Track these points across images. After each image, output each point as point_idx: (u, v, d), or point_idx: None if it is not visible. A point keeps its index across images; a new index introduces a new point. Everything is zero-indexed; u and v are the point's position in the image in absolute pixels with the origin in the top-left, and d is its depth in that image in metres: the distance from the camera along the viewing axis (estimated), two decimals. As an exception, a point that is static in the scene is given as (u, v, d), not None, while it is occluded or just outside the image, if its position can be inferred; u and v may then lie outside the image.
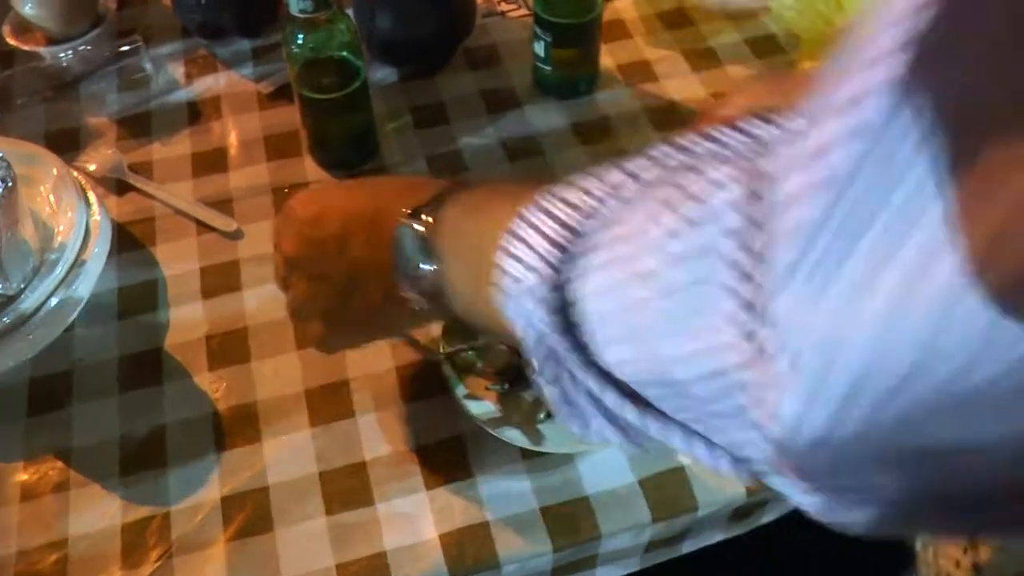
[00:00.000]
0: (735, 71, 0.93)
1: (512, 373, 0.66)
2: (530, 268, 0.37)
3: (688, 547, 0.69)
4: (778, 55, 0.96)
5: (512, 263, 0.38)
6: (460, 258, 0.44)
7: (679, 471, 0.65)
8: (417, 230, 0.45)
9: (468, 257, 0.44)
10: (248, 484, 0.65)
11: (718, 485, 0.64)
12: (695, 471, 0.64)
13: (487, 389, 0.66)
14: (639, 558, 0.67)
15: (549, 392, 0.39)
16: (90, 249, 0.73)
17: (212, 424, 0.68)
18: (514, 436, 0.64)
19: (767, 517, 0.71)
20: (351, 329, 0.56)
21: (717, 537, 0.69)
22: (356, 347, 0.69)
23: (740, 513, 0.68)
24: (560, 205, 0.38)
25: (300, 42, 0.76)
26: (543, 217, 0.38)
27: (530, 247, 0.38)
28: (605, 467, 0.65)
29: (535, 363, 0.39)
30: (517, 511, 0.63)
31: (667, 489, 0.64)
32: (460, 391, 0.66)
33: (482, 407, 0.65)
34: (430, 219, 0.45)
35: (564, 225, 0.37)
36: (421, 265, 0.45)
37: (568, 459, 0.65)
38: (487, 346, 0.67)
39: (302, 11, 0.73)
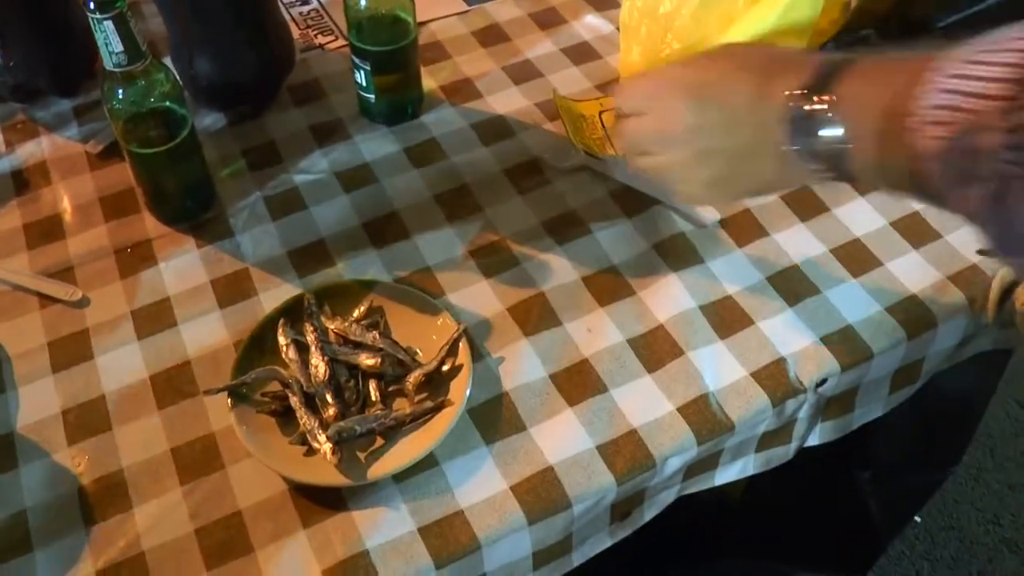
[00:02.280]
0: (555, 79, 0.97)
1: (284, 399, 0.70)
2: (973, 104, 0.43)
3: (578, 558, 0.72)
4: (595, 59, 1.00)
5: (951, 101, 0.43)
6: (869, 122, 0.50)
7: (548, 471, 0.68)
8: (817, 108, 0.53)
9: (879, 120, 0.49)
10: (123, 553, 0.64)
11: (586, 478, 0.67)
12: (562, 470, 0.68)
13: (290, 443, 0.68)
14: (530, 569, 0.70)
15: (991, 232, 0.45)
16: (-76, 339, 0.71)
17: (78, 500, 0.67)
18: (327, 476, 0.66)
19: (648, 514, 0.75)
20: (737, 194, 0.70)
21: (604, 541, 0.73)
22: None
23: (619, 512, 0.72)
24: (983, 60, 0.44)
25: (120, 97, 0.75)
26: (971, 68, 0.44)
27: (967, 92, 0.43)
28: (475, 478, 0.67)
29: (976, 206, 0.44)
30: (396, 535, 0.65)
31: (538, 490, 0.67)
32: (268, 459, 0.67)
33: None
34: (829, 96, 0.53)
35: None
36: (823, 134, 0.53)
37: (439, 474, 0.67)
38: (257, 379, 0.70)
39: (117, 65, 0.72)
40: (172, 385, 0.73)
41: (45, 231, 0.84)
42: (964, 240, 0.82)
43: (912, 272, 0.80)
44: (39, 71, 0.91)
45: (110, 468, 0.69)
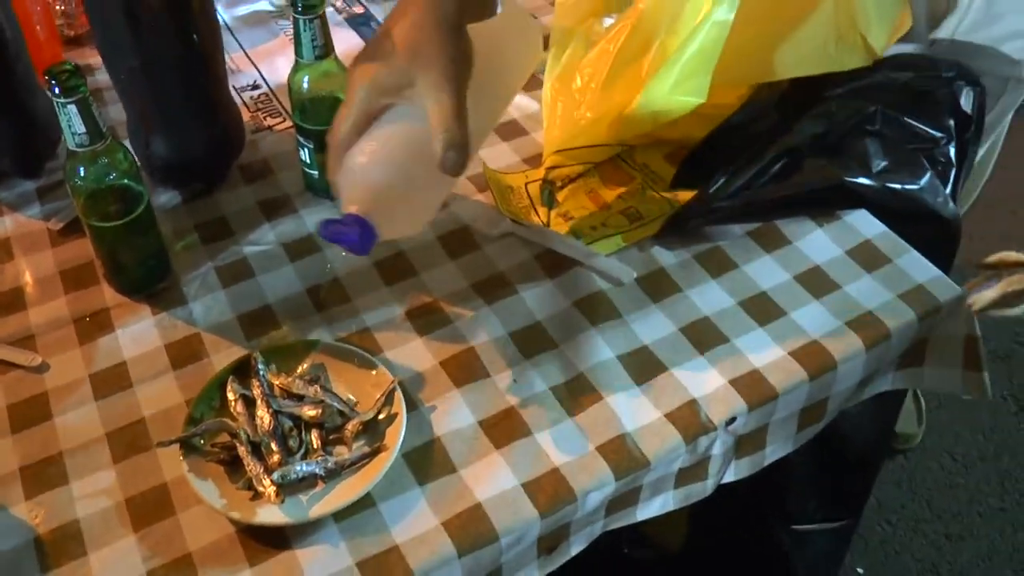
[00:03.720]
0: (485, 154, 1.06)
1: (232, 448, 0.75)
2: None
3: None
4: (522, 135, 1.09)
5: None
6: None
7: (477, 508, 0.73)
8: None
9: None
10: (79, 596, 0.69)
11: (512, 513, 0.73)
12: (490, 506, 0.73)
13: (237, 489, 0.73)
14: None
15: None
16: None
17: (34, 549, 0.71)
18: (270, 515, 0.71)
19: (575, 548, 0.80)
20: None
21: (533, 574, 0.78)
22: None
23: (545, 545, 0.77)
24: None
25: (82, 175, 0.82)
26: None
27: None
28: (409, 516, 0.73)
29: None
30: (335, 570, 0.70)
31: (468, 526, 0.72)
32: (217, 503, 0.72)
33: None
34: None
35: None
36: None
37: (376, 513, 0.73)
38: (207, 430, 0.76)
39: (79, 144, 0.79)
40: (127, 441, 0.78)
41: (7, 303, 0.90)
42: (861, 290, 0.90)
43: (813, 320, 0.87)
44: (4, 154, 0.98)
45: (66, 519, 0.73)
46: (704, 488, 0.84)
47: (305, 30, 0.88)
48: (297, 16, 0.87)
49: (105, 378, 0.83)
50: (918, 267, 0.92)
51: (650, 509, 0.83)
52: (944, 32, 1.04)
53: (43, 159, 1.02)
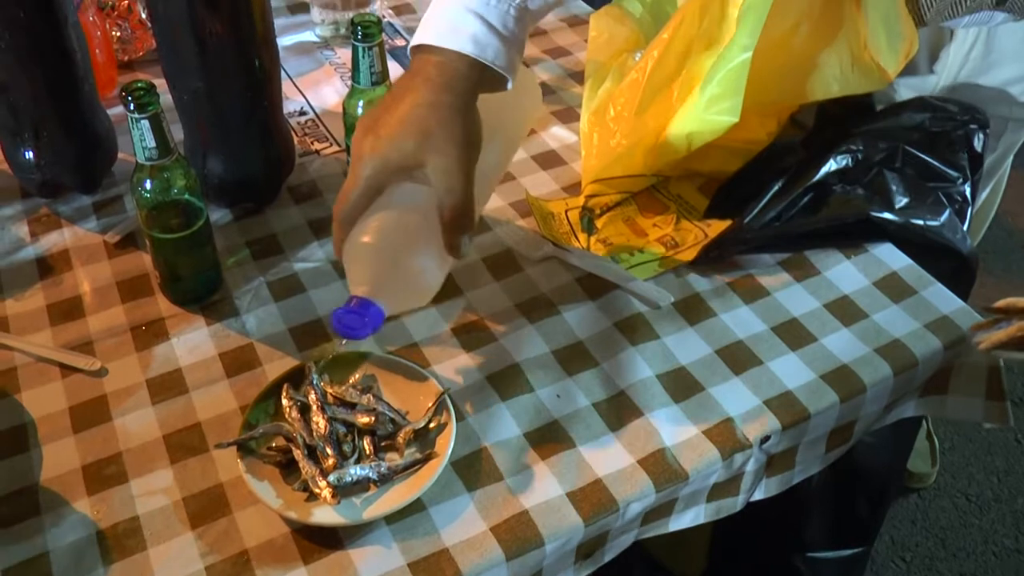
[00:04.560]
0: (527, 182, 1.10)
1: (287, 452, 0.78)
2: None
3: None
4: (561, 165, 1.13)
5: None
6: None
7: (524, 514, 0.76)
8: None
9: None
10: (141, 588, 0.71)
11: (557, 520, 0.76)
12: (536, 513, 0.76)
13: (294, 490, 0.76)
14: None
15: None
16: (-39, 399, 0.78)
17: (96, 543, 0.74)
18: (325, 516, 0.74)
19: (608, 555, 0.83)
20: None
21: None
22: None
23: (584, 552, 0.80)
24: None
25: (147, 187, 0.85)
26: None
27: None
28: (458, 520, 0.75)
29: None
30: (387, 569, 0.72)
31: (515, 531, 0.75)
32: (273, 502, 0.75)
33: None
34: None
35: None
36: None
37: (426, 517, 0.75)
38: (264, 434, 0.79)
39: (148, 159, 0.83)
40: (183, 443, 0.81)
41: (67, 310, 0.93)
42: (888, 319, 0.93)
43: (843, 346, 0.91)
44: (65, 170, 1.02)
45: (126, 515, 0.76)
46: (735, 504, 0.87)
47: (363, 57, 0.92)
48: (356, 43, 0.91)
49: (161, 383, 0.86)
50: (943, 299, 0.95)
51: (682, 521, 0.86)
52: (945, 78, 1.08)
53: (101, 175, 1.06)
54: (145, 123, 0.80)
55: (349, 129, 0.98)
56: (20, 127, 0.99)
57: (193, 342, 0.90)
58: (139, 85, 0.80)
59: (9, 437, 0.82)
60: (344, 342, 0.77)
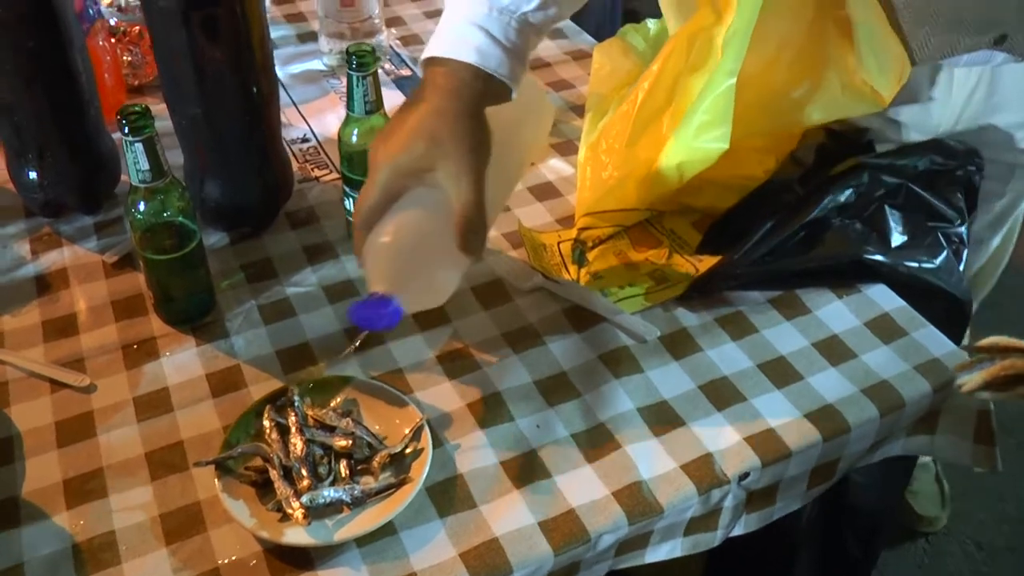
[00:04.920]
0: (521, 213, 1.11)
1: (264, 472, 0.79)
2: None
3: None
4: (556, 197, 1.14)
5: None
6: None
7: (494, 542, 0.76)
8: None
9: None
10: (111, 602, 0.72)
11: (527, 549, 0.76)
12: (507, 541, 0.76)
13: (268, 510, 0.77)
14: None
15: None
16: (-51, 411, 0.80)
17: (72, 556, 0.75)
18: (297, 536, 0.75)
19: (584, 585, 0.83)
20: None
21: None
22: None
23: (556, 582, 0.80)
24: None
25: (141, 209, 0.87)
26: None
27: None
28: (428, 546, 0.76)
29: None
30: (355, 593, 0.73)
31: (484, 558, 0.75)
32: (247, 521, 0.76)
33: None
34: None
35: None
36: None
37: (397, 541, 0.76)
38: (242, 453, 0.80)
39: (142, 180, 0.85)
40: (165, 461, 0.82)
41: (61, 327, 0.95)
42: (877, 360, 0.93)
43: (830, 385, 0.90)
44: (68, 190, 1.04)
45: (103, 529, 0.77)
46: (713, 539, 0.87)
47: (358, 86, 0.94)
48: (351, 72, 0.93)
49: (148, 401, 0.88)
50: (934, 341, 0.95)
51: (658, 553, 0.85)
52: (948, 119, 1.08)
53: (103, 196, 1.08)
54: (139, 146, 0.82)
55: (344, 157, 1.00)
56: (24, 147, 1.01)
57: (182, 362, 0.91)
58: (134, 109, 0.82)
59: (-4, 450, 0.83)
60: (327, 364, 0.78)
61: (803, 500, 0.92)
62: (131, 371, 0.90)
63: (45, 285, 1.00)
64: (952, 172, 1.03)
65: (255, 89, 0.96)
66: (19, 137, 1.01)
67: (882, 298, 1.00)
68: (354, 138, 0.98)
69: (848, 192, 1.01)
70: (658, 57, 1.01)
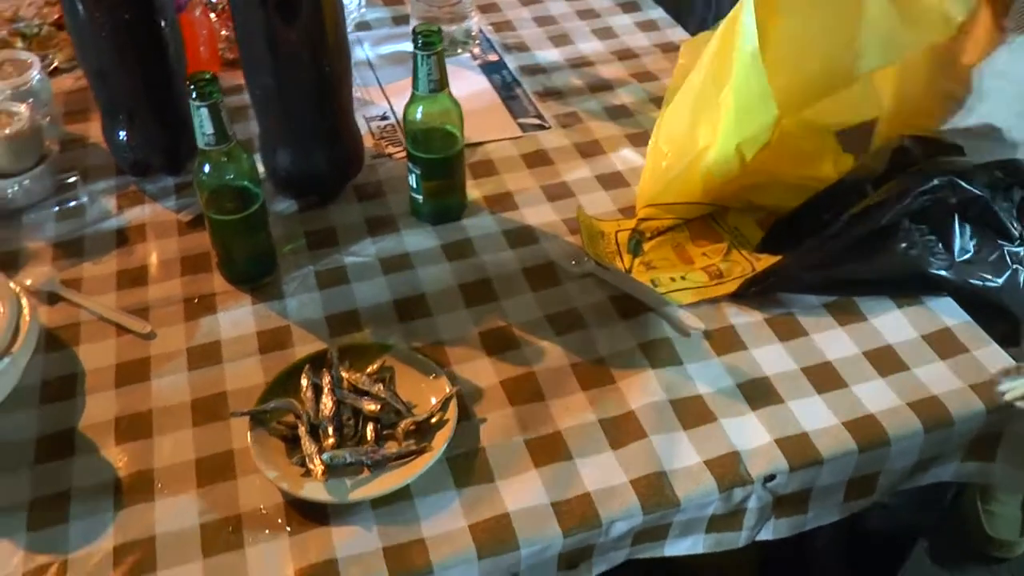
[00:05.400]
0: (584, 200, 1.11)
1: (295, 428, 0.82)
2: None
3: None
4: (623, 186, 1.14)
5: None
6: None
7: (504, 517, 0.77)
8: None
9: None
10: (140, 534, 0.77)
11: (537, 528, 0.77)
12: (517, 518, 0.77)
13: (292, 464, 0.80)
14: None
15: None
16: (19, 345, 0.86)
17: (113, 488, 0.80)
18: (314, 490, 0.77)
19: (597, 569, 0.83)
20: None
21: None
22: None
23: (567, 561, 0.80)
24: None
25: (207, 171, 0.92)
26: None
27: None
28: (441, 514, 0.78)
29: None
30: (363, 551, 0.75)
31: (493, 532, 0.76)
32: (270, 473, 0.79)
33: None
34: None
35: None
36: None
37: (411, 506, 0.78)
38: (275, 408, 0.83)
39: (207, 144, 0.89)
40: (207, 409, 0.87)
41: (133, 277, 1.01)
42: (930, 374, 0.89)
43: (874, 396, 0.88)
44: (154, 151, 1.10)
45: (144, 467, 0.82)
46: (737, 539, 0.85)
47: (422, 65, 0.96)
48: (417, 51, 0.95)
49: (201, 352, 0.92)
50: (996, 360, 0.91)
51: (679, 547, 0.85)
52: None
53: (185, 159, 1.14)
54: (205, 111, 0.87)
55: (408, 134, 1.03)
56: (117, 111, 1.08)
57: (236, 318, 0.96)
58: (203, 76, 0.86)
59: (61, 384, 0.90)
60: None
61: (839, 513, 0.89)
62: (189, 323, 0.95)
63: (124, 238, 1.06)
64: (1015, 189, 0.98)
65: (327, 68, 1.00)
66: (112, 101, 1.07)
67: (946, 311, 0.96)
68: (418, 115, 1.00)
69: (922, 199, 0.98)
70: (715, 36, 1.00)
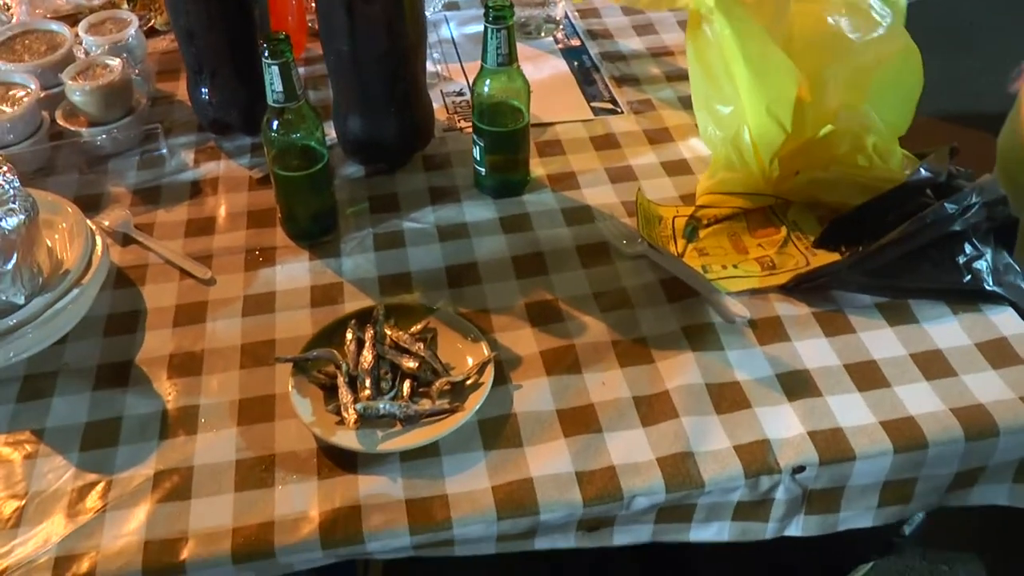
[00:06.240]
0: (646, 184, 1.11)
1: (334, 377, 0.85)
2: None
3: (540, 544, 0.81)
4: (687, 174, 1.14)
5: None
6: None
7: (528, 482, 0.79)
8: None
9: None
10: (179, 463, 0.81)
11: (558, 495, 0.78)
12: (540, 483, 0.78)
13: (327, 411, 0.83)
14: (493, 544, 0.80)
15: None
16: (89, 277, 0.91)
17: (160, 419, 0.85)
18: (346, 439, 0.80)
19: (618, 539, 0.83)
20: None
21: (569, 542, 0.82)
22: None
23: (587, 525, 0.81)
24: None
25: (274, 128, 0.96)
26: None
27: None
28: (466, 473, 0.79)
29: None
30: (386, 500, 0.77)
31: (514, 495, 0.78)
32: (306, 418, 0.82)
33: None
34: None
35: None
36: None
37: (437, 463, 0.80)
38: (318, 357, 0.86)
39: (275, 101, 0.93)
40: (255, 354, 0.91)
41: (202, 226, 1.06)
42: (978, 382, 0.87)
43: (916, 398, 0.86)
44: (234, 111, 1.15)
45: (191, 402, 0.86)
46: (764, 530, 0.85)
47: (492, 38, 0.98)
48: (487, 25, 0.97)
49: (255, 301, 0.96)
50: (1057, 377, 0.88)
51: (705, 533, 0.85)
52: None
53: (262, 120, 1.18)
54: (275, 68, 0.90)
55: (475, 107, 1.05)
56: (200, 70, 1.13)
57: (293, 272, 1.00)
58: (277, 36, 0.90)
59: (125, 319, 0.95)
60: None
61: (875, 518, 0.87)
62: (248, 273, 1.00)
63: (198, 190, 1.11)
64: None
65: (401, 39, 1.02)
66: (198, 60, 1.12)
67: (1004, 322, 0.93)
68: (486, 89, 1.02)
69: (986, 212, 0.95)
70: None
